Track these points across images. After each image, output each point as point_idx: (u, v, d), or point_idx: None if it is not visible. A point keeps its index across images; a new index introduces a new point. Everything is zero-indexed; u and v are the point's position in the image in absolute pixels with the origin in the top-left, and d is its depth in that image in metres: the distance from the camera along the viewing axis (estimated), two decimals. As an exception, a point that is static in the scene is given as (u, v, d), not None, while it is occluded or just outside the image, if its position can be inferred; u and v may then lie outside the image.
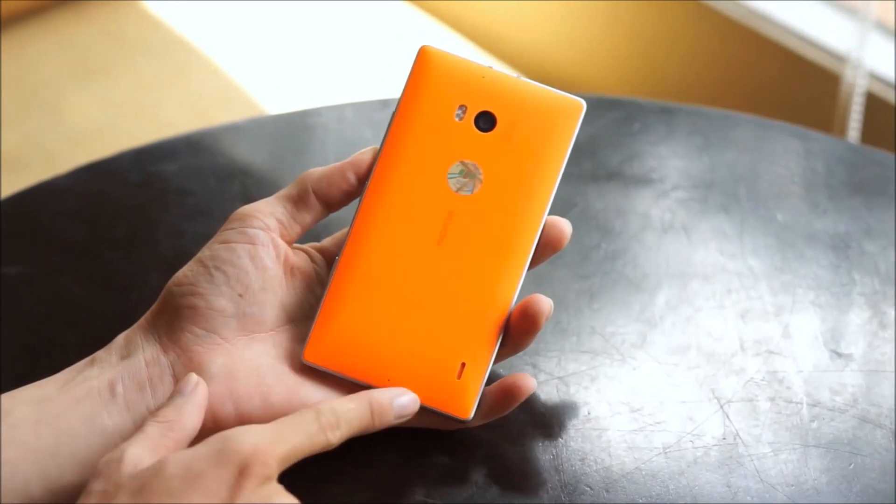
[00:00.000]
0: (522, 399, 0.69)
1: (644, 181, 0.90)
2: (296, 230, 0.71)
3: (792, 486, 0.69)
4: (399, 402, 0.67)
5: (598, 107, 0.97)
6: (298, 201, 0.71)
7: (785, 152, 0.93)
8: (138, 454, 0.60)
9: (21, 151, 2.12)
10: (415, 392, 0.68)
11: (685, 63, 2.01)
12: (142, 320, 0.69)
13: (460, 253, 0.70)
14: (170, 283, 0.69)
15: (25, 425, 0.63)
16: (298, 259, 0.71)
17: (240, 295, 0.68)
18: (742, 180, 0.90)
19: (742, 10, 1.88)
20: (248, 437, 0.60)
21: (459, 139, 0.71)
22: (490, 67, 0.72)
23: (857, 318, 0.80)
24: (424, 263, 0.70)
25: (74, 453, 0.64)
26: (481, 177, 0.70)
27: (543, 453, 0.71)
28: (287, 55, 2.35)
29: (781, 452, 0.71)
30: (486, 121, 0.71)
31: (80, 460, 0.64)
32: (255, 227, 0.69)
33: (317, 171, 0.71)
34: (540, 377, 0.75)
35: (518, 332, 0.70)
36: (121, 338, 0.68)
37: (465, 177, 0.70)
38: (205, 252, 0.69)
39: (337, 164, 0.71)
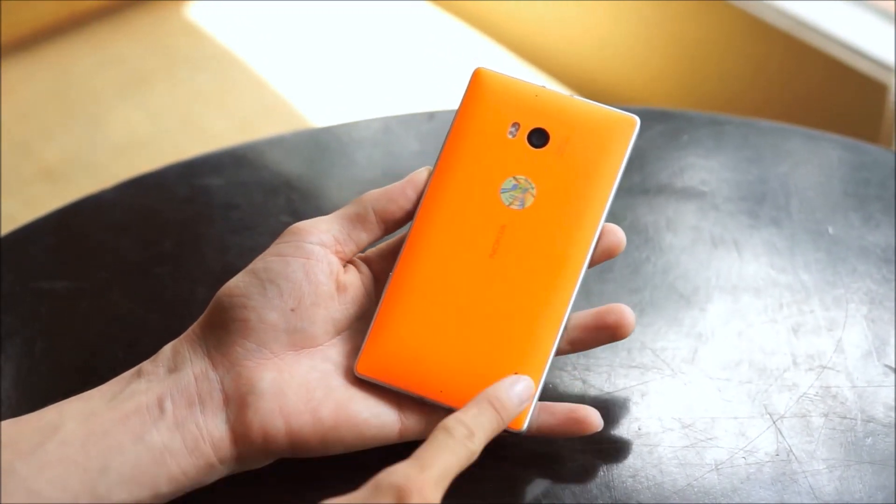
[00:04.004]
0: (585, 434, 0.69)
1: (694, 194, 0.89)
2: (350, 248, 0.71)
3: (847, 503, 0.68)
4: (515, 390, 0.67)
5: (647, 119, 0.96)
6: (357, 220, 0.71)
7: (837, 165, 0.92)
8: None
9: (65, 164, 2.13)
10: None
11: (731, 74, 2.00)
12: (189, 332, 0.69)
13: (513, 266, 0.70)
14: (220, 292, 0.69)
15: (74, 442, 0.63)
16: (349, 275, 0.71)
17: (292, 309, 0.68)
18: (793, 193, 0.89)
19: (788, 20, 1.87)
20: (398, 470, 0.60)
21: (512, 155, 0.71)
22: (543, 87, 0.72)
23: (911, 333, 0.79)
24: (477, 276, 0.70)
25: (123, 470, 0.64)
26: (534, 192, 0.71)
27: (594, 470, 0.70)
28: (331, 66, 2.36)
29: (836, 469, 0.70)
30: (538, 137, 0.71)
31: (128, 477, 0.64)
32: (311, 243, 0.69)
33: (376, 191, 0.71)
34: (590, 392, 0.75)
35: (592, 338, 0.71)
36: (167, 349, 0.68)
37: (517, 191, 0.71)
38: (258, 263, 0.69)
39: (395, 183, 0.72)
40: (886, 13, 1.85)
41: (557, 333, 0.69)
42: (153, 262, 0.86)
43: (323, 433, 0.67)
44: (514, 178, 0.71)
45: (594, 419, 0.69)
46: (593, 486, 0.69)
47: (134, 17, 2.48)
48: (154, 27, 2.47)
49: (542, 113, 0.72)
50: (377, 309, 0.70)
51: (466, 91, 0.73)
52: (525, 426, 0.68)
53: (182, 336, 0.69)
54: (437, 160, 0.72)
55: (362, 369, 0.69)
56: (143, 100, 2.29)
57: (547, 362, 0.69)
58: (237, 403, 0.66)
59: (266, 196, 0.91)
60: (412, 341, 0.69)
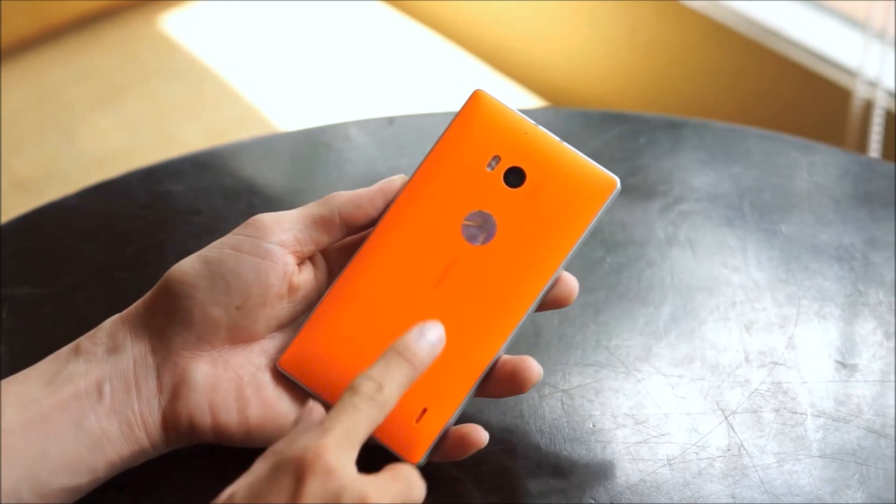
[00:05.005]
0: (472, 451, 0.68)
1: (649, 195, 0.90)
2: (310, 248, 0.70)
3: (797, 496, 0.69)
4: (426, 336, 0.64)
5: (604, 121, 0.98)
6: (321, 221, 0.70)
7: (790, 165, 0.93)
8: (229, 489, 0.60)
9: (39, 175, 2.13)
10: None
11: (697, 80, 2.01)
12: (133, 309, 0.69)
13: (453, 301, 0.69)
14: (170, 274, 0.69)
15: (15, 430, 0.64)
16: (303, 274, 0.71)
17: (236, 308, 0.68)
18: (747, 193, 0.90)
19: (755, 26, 1.89)
20: (296, 443, 0.59)
21: (485, 189, 0.71)
22: (536, 126, 0.71)
23: (861, 329, 0.80)
24: (416, 302, 0.70)
25: (63, 456, 0.65)
26: (495, 231, 0.70)
27: (548, 466, 0.71)
28: (302, 76, 2.36)
29: (786, 463, 0.71)
30: (515, 176, 0.71)
31: (68, 463, 0.65)
32: (269, 242, 0.69)
33: (345, 193, 0.71)
34: (545, 390, 0.76)
35: (499, 388, 0.69)
36: (107, 326, 0.69)
37: (479, 227, 0.70)
38: (212, 252, 0.69)
39: (366, 188, 0.71)
40: (850, 19, 1.86)
41: (477, 378, 0.69)
42: (116, 267, 0.87)
43: (247, 430, 0.68)
44: (480, 212, 0.70)
45: (479, 435, 0.68)
46: (546, 483, 0.70)
47: (106, 29, 2.49)
48: (126, 39, 2.47)
49: (525, 152, 0.71)
50: (314, 309, 0.70)
51: (461, 111, 0.72)
52: (420, 461, 0.68)
53: (125, 313, 0.69)
54: (414, 172, 0.72)
55: (284, 364, 0.69)
56: (117, 111, 2.29)
57: (459, 404, 0.68)
58: (170, 392, 0.67)
59: (227, 201, 0.92)
60: (337, 351, 0.69)
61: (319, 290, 0.71)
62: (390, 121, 0.99)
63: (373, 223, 0.72)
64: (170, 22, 2.51)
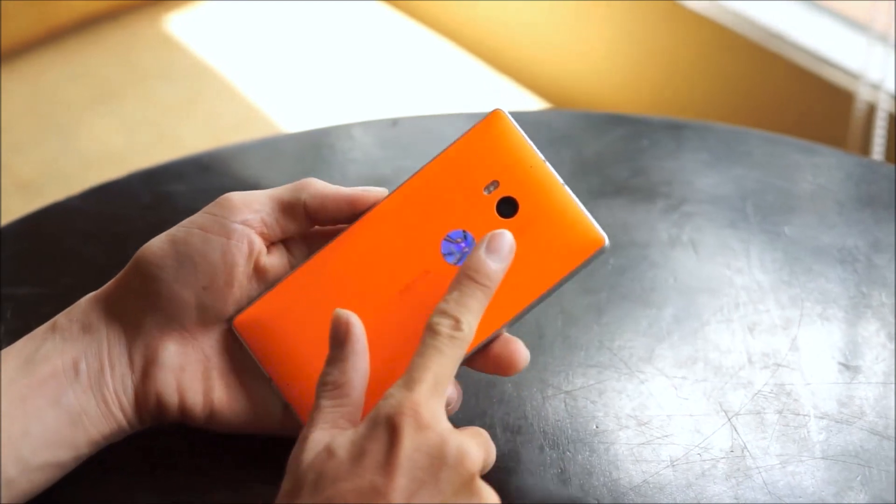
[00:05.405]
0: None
1: (652, 196, 0.90)
2: (277, 233, 0.70)
3: (800, 498, 0.69)
4: (496, 252, 0.65)
5: (607, 123, 0.98)
6: (288, 208, 0.70)
7: (793, 167, 0.93)
8: (321, 438, 0.61)
9: (38, 176, 2.13)
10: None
11: (701, 84, 2.01)
12: (106, 289, 0.70)
13: (413, 312, 0.69)
14: (140, 253, 0.69)
15: None
16: (272, 259, 0.70)
17: (204, 288, 0.68)
18: (749, 195, 0.90)
19: (758, 30, 1.89)
20: (390, 397, 0.60)
21: (475, 210, 0.70)
22: (544, 162, 0.70)
23: (864, 331, 0.80)
24: (377, 303, 0.69)
25: (44, 433, 0.65)
26: None
27: (551, 467, 0.71)
28: (305, 77, 2.36)
29: (789, 464, 0.71)
30: (507, 207, 0.70)
31: (49, 440, 0.65)
32: (235, 222, 0.68)
33: (316, 185, 0.71)
34: (548, 391, 0.76)
35: (490, 366, 0.69)
36: (83, 304, 0.69)
37: (458, 247, 0.70)
38: (180, 231, 0.69)
39: (340, 189, 0.71)
40: (853, 22, 1.86)
41: None
42: (116, 268, 0.86)
43: (210, 412, 0.68)
44: (464, 232, 0.70)
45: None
46: (550, 484, 0.70)
47: (108, 30, 2.49)
48: (126, 41, 2.48)
49: (525, 186, 0.70)
50: (281, 279, 0.70)
51: (476, 126, 0.71)
52: None
53: (99, 292, 0.70)
54: (415, 172, 0.71)
55: (238, 324, 0.69)
56: (118, 113, 2.29)
57: None
58: (141, 371, 0.68)
59: (229, 202, 0.92)
60: (290, 327, 0.69)
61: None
62: (394, 122, 0.98)
63: (336, 223, 0.71)
64: (171, 23, 2.51)
